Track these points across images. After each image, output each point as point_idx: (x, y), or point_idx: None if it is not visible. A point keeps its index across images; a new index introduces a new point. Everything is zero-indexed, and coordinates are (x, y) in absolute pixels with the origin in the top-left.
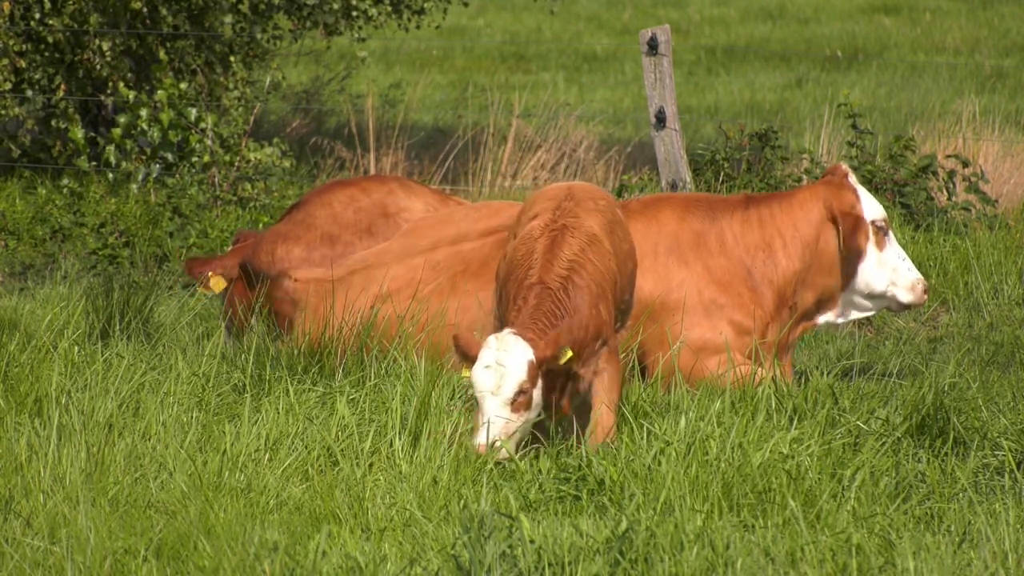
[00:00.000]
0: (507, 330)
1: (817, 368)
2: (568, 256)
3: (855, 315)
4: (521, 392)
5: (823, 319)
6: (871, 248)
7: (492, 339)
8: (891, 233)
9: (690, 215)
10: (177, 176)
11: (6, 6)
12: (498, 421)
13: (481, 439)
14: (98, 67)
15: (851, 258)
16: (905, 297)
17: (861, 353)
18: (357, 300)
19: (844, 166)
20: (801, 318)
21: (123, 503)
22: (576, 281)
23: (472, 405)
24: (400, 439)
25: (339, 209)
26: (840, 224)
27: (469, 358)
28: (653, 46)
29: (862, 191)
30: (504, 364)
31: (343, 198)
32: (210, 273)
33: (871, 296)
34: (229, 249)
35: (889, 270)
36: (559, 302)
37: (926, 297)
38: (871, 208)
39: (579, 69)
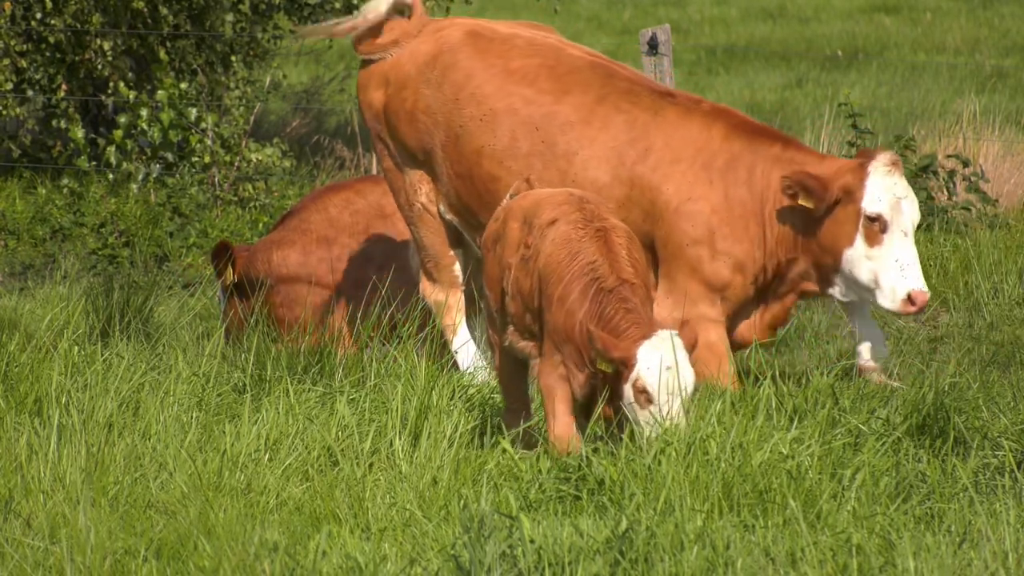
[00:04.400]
0: (667, 331)
1: (817, 368)
2: (625, 255)
3: (853, 297)
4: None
5: (829, 291)
6: (859, 239)
7: (659, 342)
8: (896, 235)
9: (735, 136)
10: (177, 176)
11: (7, 6)
12: (683, 418)
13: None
14: (99, 67)
15: (834, 239)
16: (882, 301)
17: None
18: None
19: (885, 155)
20: (792, 283)
21: (123, 503)
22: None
23: (644, 402)
24: (400, 439)
25: (335, 213)
26: (835, 199)
27: (610, 359)
28: (653, 46)
29: (875, 182)
30: (682, 364)
31: (338, 202)
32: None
33: (857, 285)
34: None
35: (876, 267)
36: (647, 299)
37: (911, 309)
38: (872, 201)
39: None
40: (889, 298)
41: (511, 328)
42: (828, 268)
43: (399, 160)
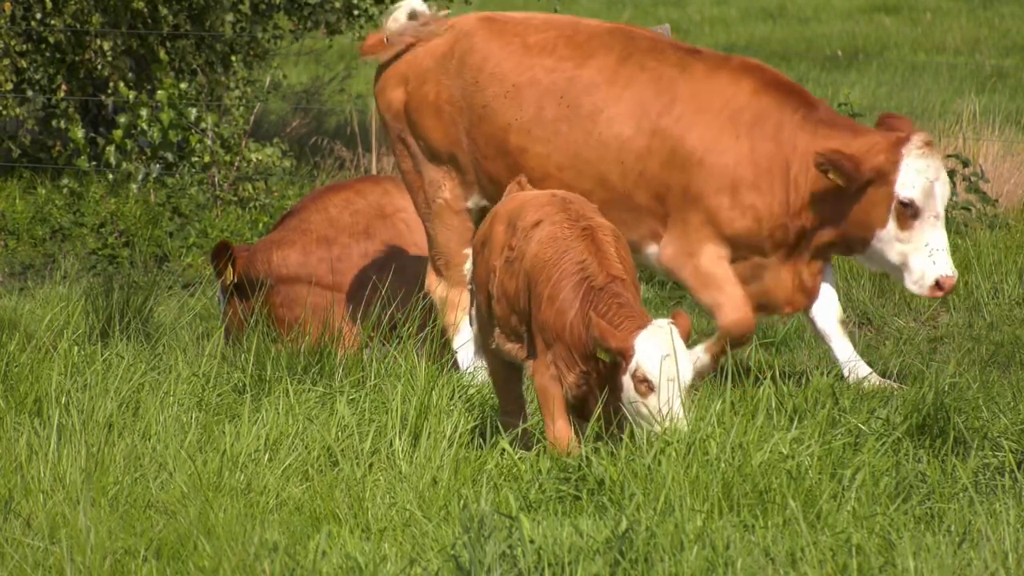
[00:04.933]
0: (664, 320)
1: (817, 368)
2: (614, 252)
3: (877, 269)
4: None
5: (855, 256)
6: (891, 221)
7: (656, 330)
8: (928, 220)
9: (765, 93)
10: (177, 176)
11: (7, 6)
12: (681, 404)
13: (681, 424)
14: (99, 67)
15: (866, 219)
16: (910, 284)
17: (861, 353)
18: None
19: (919, 136)
20: (818, 250)
21: (123, 503)
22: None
23: (645, 391)
24: (400, 439)
25: (335, 213)
26: (867, 180)
27: (607, 348)
28: None
29: (909, 165)
30: (680, 352)
31: (338, 202)
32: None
33: (884, 263)
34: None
35: (906, 250)
36: (637, 296)
37: (937, 293)
38: (906, 186)
39: None
40: (917, 283)
41: (497, 331)
42: (857, 242)
43: (421, 159)
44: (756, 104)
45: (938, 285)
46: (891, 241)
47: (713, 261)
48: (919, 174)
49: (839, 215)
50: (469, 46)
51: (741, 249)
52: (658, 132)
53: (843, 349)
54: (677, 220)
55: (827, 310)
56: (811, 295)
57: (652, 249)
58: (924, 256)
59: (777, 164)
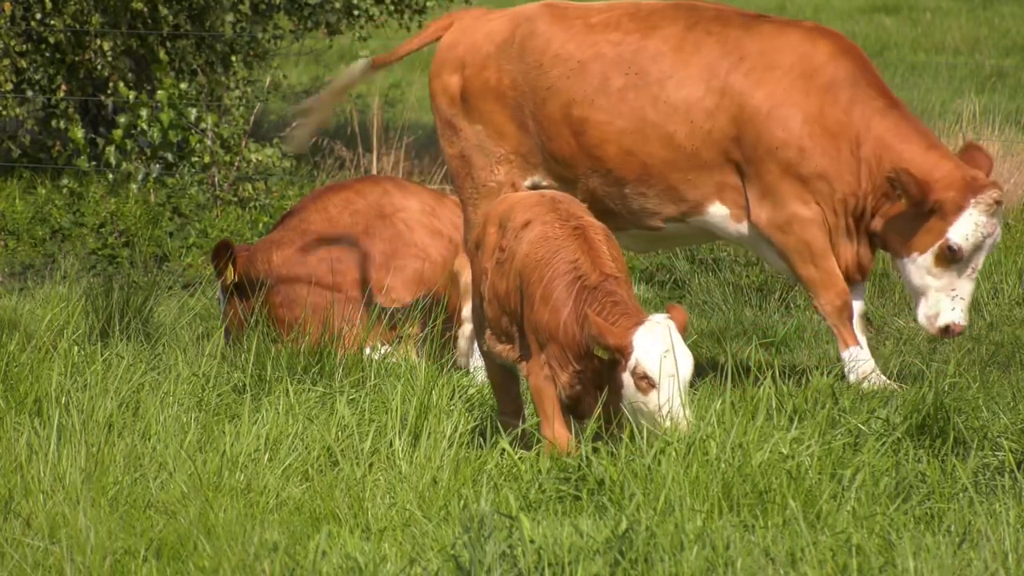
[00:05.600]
0: (661, 316)
1: (817, 368)
2: (606, 250)
3: (898, 277)
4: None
5: (899, 261)
6: (931, 253)
7: (654, 326)
8: (966, 271)
9: (841, 60)
10: (177, 176)
11: (7, 6)
12: (681, 401)
13: (682, 420)
14: (99, 67)
15: (910, 236)
16: (920, 314)
17: None
18: None
19: (992, 192)
20: (869, 235)
21: (123, 503)
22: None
23: (644, 387)
24: (400, 439)
25: (335, 213)
26: (929, 209)
27: (605, 345)
28: None
29: (972, 216)
30: (680, 348)
31: (338, 202)
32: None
33: (906, 280)
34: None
35: (932, 284)
36: (631, 294)
37: (941, 335)
38: (960, 234)
39: None
40: (928, 318)
41: (488, 332)
42: (893, 249)
43: (471, 143)
44: (832, 69)
45: (947, 330)
46: (922, 269)
47: (804, 227)
48: (977, 228)
49: (892, 216)
50: (530, 31)
51: (820, 196)
52: (727, 90)
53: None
54: (755, 181)
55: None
56: (865, 273)
57: (714, 208)
58: (946, 298)
59: (845, 135)
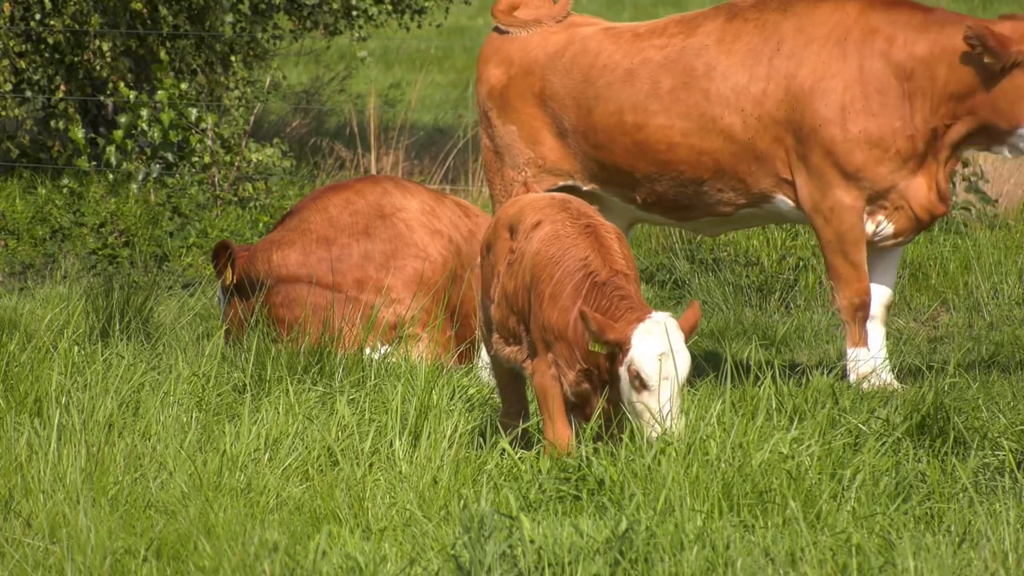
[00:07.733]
0: (662, 314)
1: (817, 368)
2: (617, 248)
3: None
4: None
5: (995, 150)
6: None
7: (653, 325)
8: None
9: (872, 11)
10: (177, 176)
11: (6, 6)
12: (677, 404)
13: (677, 425)
14: (98, 67)
15: (1011, 104)
16: None
17: None
18: None
19: None
20: (951, 148)
21: (123, 503)
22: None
23: (640, 387)
24: (400, 439)
25: (335, 213)
26: (1013, 61)
27: (605, 341)
28: None
29: None
30: (678, 349)
31: (338, 202)
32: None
33: None
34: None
35: None
36: (639, 292)
37: None
38: None
39: None
40: None
41: (495, 335)
42: (999, 132)
43: (502, 141)
44: (863, 23)
45: None
46: None
47: (843, 215)
48: None
49: (979, 106)
50: (583, 47)
51: (866, 182)
52: (772, 74)
53: (874, 336)
54: (801, 158)
55: (879, 291)
56: (946, 199)
57: (780, 197)
58: None
59: (889, 82)
